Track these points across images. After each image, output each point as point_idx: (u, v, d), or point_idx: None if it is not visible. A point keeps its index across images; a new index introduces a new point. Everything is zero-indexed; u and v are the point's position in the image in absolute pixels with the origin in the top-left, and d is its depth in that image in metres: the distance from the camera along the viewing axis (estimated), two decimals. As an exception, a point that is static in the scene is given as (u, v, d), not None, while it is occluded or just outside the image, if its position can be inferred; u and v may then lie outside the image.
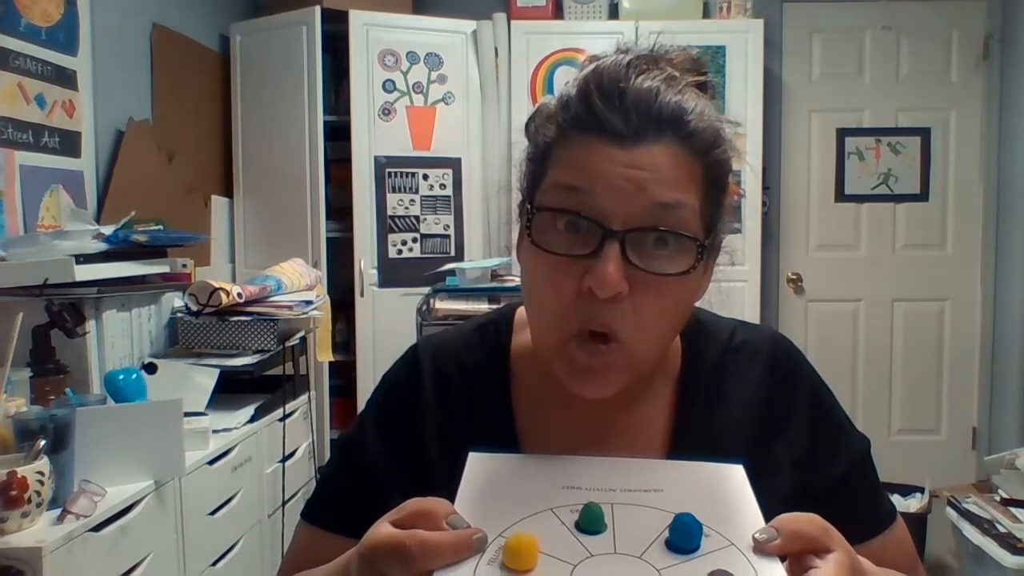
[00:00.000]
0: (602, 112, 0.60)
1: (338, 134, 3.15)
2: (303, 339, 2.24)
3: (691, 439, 0.69)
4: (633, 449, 0.70)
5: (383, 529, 0.52)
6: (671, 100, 0.60)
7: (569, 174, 0.61)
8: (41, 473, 1.23)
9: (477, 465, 0.60)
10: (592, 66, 0.63)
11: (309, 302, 2.18)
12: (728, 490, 0.57)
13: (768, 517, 0.54)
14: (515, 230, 0.69)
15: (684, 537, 0.51)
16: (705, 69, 0.67)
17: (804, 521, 0.52)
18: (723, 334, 0.74)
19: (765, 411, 0.71)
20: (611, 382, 0.63)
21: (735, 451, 0.68)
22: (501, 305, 0.82)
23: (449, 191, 3.25)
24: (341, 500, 0.74)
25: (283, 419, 2.12)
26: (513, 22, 3.29)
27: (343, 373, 3.19)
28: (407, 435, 0.72)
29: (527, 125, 0.68)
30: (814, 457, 0.70)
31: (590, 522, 0.53)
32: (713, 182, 0.63)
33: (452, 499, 0.57)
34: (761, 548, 0.50)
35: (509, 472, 0.60)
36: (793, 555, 0.51)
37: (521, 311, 0.77)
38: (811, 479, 0.69)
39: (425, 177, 3.21)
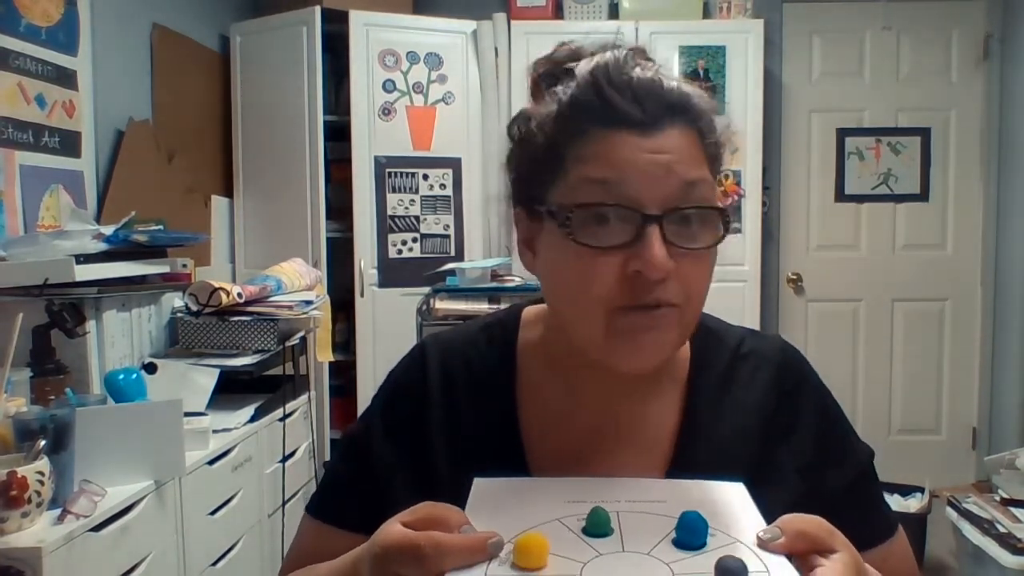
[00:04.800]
0: (618, 103, 0.61)
1: (338, 134, 3.15)
2: (303, 339, 2.24)
3: (696, 442, 0.69)
4: (637, 448, 0.69)
5: (396, 529, 0.52)
6: (675, 87, 0.63)
7: (596, 168, 0.61)
8: (41, 473, 1.23)
9: (482, 489, 0.60)
10: (593, 62, 0.64)
11: (309, 302, 2.17)
12: (730, 502, 0.58)
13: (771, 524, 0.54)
14: (514, 233, 0.70)
15: (691, 533, 0.52)
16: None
17: (808, 521, 0.52)
18: (732, 341, 0.75)
19: (771, 418, 0.71)
20: (662, 345, 0.63)
21: (740, 457, 0.68)
22: (508, 305, 0.82)
23: (449, 191, 3.25)
24: (346, 495, 0.75)
25: (283, 419, 2.12)
26: (513, 22, 3.29)
27: (343, 373, 3.19)
28: (412, 432, 0.73)
29: (511, 129, 0.68)
30: (819, 466, 0.70)
31: (597, 525, 0.54)
32: (713, 159, 0.66)
33: (456, 498, 0.58)
34: (765, 546, 0.51)
35: (514, 493, 0.60)
36: (798, 555, 0.51)
37: (528, 311, 0.78)
38: (815, 487, 0.69)
39: (425, 177, 3.21)
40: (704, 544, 0.52)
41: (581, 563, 0.50)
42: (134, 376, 1.65)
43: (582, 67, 0.64)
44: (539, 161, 0.65)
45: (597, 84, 0.62)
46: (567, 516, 0.56)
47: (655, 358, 0.63)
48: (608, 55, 0.64)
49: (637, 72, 0.63)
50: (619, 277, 0.61)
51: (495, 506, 0.57)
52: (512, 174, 0.69)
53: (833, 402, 0.75)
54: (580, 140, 0.62)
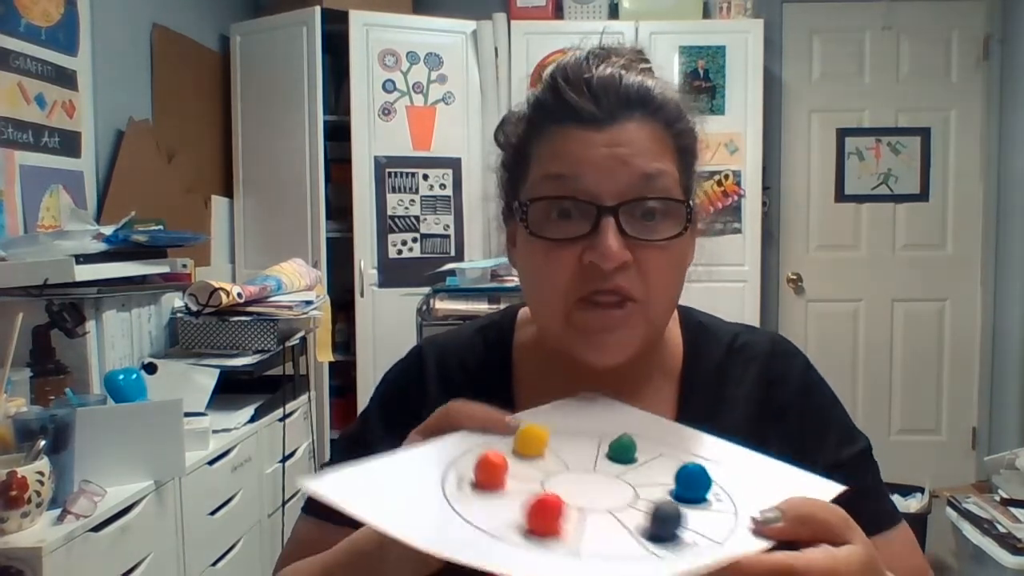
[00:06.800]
0: (574, 101, 0.64)
1: (338, 134, 3.15)
2: (303, 339, 2.24)
3: None
4: None
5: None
6: (634, 81, 0.65)
7: (554, 164, 0.64)
8: (41, 473, 1.23)
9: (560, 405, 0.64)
10: (553, 65, 0.68)
11: (309, 302, 2.18)
12: (761, 478, 0.54)
13: None
14: (502, 237, 0.74)
15: (691, 487, 0.50)
16: (647, 59, 0.71)
17: (819, 507, 0.48)
18: (726, 336, 0.75)
19: (760, 409, 0.71)
20: (626, 343, 0.64)
21: None
22: (503, 307, 0.83)
23: (449, 191, 3.25)
24: None
25: (283, 419, 2.12)
26: (513, 22, 3.29)
27: (343, 373, 3.19)
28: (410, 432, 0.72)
29: (496, 134, 0.73)
30: (810, 448, 0.69)
31: (620, 451, 0.55)
32: (683, 150, 0.67)
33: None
34: (761, 529, 0.46)
35: (588, 412, 0.63)
36: (803, 542, 0.46)
37: (524, 311, 0.78)
38: (807, 469, 0.67)
39: (425, 177, 3.21)
40: (703, 499, 0.49)
41: (541, 477, 0.52)
42: (134, 376, 1.65)
43: (548, 70, 0.68)
44: (512, 162, 0.71)
45: (555, 84, 0.66)
46: (606, 435, 0.57)
47: (620, 355, 0.65)
48: (569, 57, 0.67)
49: (598, 69, 0.65)
50: (576, 269, 0.63)
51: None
52: (497, 176, 0.73)
53: (824, 387, 0.74)
54: (541, 139, 0.66)
